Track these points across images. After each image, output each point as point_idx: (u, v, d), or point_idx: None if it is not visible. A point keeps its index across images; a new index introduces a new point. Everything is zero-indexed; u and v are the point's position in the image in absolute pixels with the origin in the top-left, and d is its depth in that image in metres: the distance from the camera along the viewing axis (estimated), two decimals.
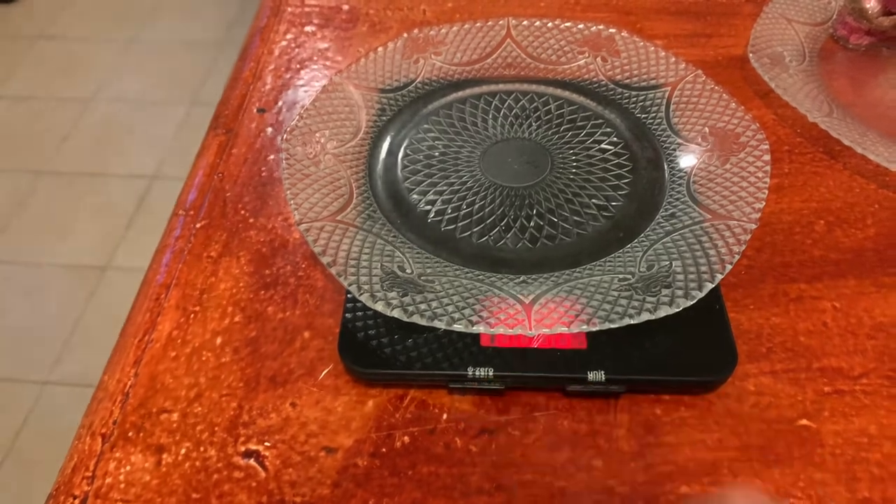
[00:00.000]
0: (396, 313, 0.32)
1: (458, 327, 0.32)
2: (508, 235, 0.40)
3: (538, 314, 0.33)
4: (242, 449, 0.34)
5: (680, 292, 0.33)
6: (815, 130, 0.46)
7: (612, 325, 0.32)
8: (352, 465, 0.33)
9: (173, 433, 0.34)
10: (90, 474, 0.33)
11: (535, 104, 0.48)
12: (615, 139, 0.45)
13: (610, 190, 0.42)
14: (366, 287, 0.34)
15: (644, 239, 0.39)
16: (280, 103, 0.51)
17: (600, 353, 0.35)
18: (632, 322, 0.32)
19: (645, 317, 0.32)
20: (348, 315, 0.36)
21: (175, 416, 0.35)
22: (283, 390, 0.36)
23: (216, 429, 0.34)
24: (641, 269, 0.36)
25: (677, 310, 0.32)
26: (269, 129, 0.49)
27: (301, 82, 0.53)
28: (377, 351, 0.35)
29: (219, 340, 0.38)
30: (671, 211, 0.40)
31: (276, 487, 0.33)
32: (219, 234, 0.43)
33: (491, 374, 0.34)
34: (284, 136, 0.41)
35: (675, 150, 0.44)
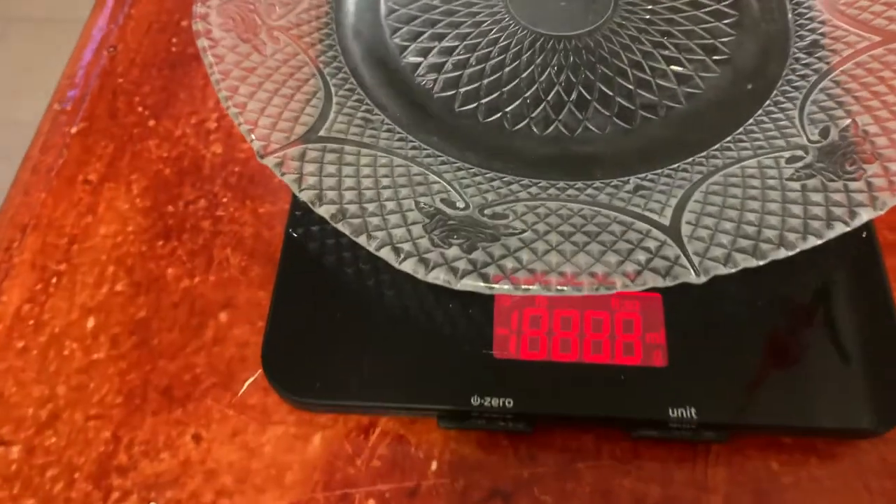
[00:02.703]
0: (469, 282, 0.19)
1: (585, 291, 0.19)
2: (587, 114, 0.25)
3: (694, 243, 0.19)
4: None
5: (893, 166, 0.20)
6: None
7: (820, 240, 0.19)
8: None
9: (10, 481, 0.22)
10: None
11: None
12: None
13: (711, 19, 0.28)
14: (407, 248, 0.19)
15: (789, 88, 0.25)
16: None
17: (690, 377, 0.21)
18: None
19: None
20: (279, 307, 0.23)
21: (15, 452, 0.23)
22: (183, 412, 0.23)
23: (77, 475, 0.22)
24: (812, 138, 0.23)
25: None
26: None
27: None
28: (323, 369, 0.22)
29: (91, 322, 0.25)
30: (810, 39, 0.26)
31: None
32: (103, 144, 0.29)
33: (510, 405, 0.21)
34: (197, 8, 0.25)
35: None
